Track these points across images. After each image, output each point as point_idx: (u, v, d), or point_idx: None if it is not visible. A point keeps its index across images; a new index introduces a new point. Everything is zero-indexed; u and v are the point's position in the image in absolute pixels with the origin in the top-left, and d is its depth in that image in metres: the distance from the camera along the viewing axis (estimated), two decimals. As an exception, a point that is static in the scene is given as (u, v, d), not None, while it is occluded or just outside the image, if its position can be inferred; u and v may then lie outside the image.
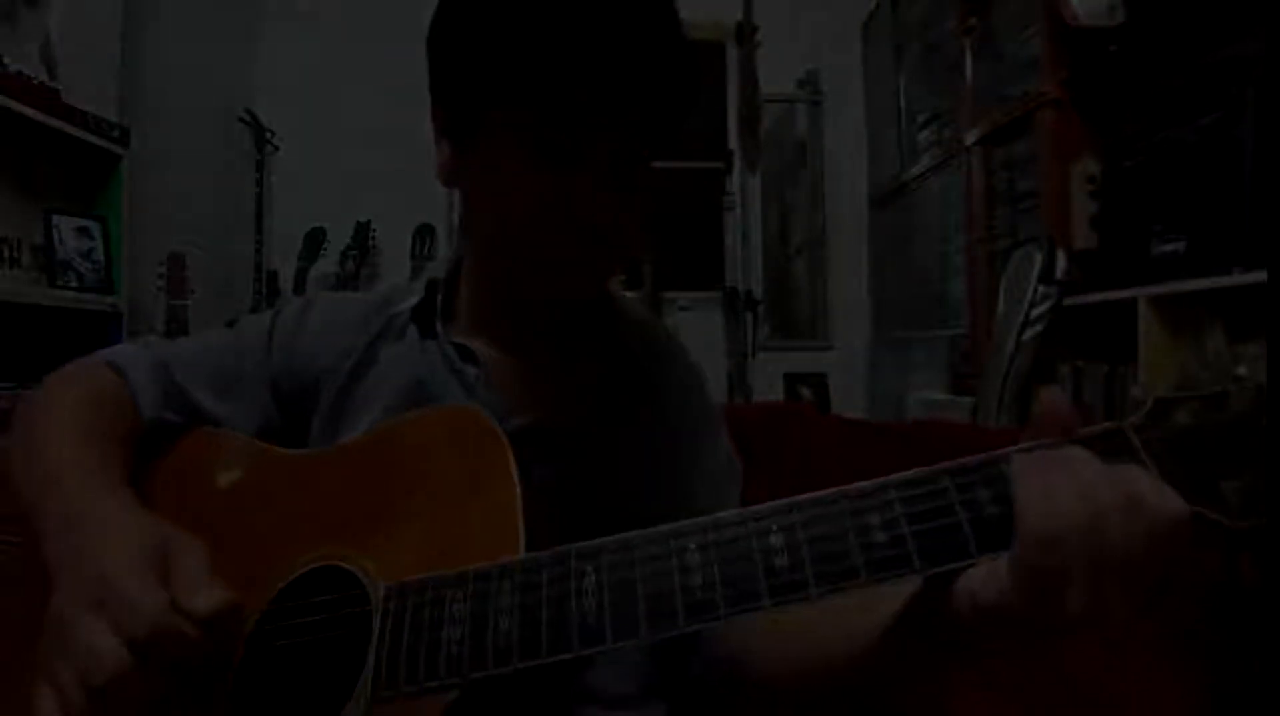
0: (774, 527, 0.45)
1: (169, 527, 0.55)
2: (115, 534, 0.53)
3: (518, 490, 0.54)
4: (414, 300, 0.75)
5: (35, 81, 2.22)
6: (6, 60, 2.13)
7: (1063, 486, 0.41)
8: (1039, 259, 2.13)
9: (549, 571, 0.48)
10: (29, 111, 2.16)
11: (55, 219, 2.37)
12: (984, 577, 0.42)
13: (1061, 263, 2.11)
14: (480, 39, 0.60)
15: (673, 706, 0.70)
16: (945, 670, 0.50)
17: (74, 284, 2.38)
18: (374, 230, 3.45)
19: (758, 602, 0.44)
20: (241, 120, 3.38)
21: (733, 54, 3.71)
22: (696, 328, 3.24)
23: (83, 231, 2.44)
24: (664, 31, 0.61)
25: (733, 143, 3.68)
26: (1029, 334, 2.14)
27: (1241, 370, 0.44)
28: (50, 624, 0.50)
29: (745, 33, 3.40)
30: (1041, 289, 2.11)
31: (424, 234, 3.40)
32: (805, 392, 3.64)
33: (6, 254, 2.27)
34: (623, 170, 0.61)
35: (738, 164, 3.53)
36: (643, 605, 0.46)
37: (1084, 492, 0.40)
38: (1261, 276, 1.52)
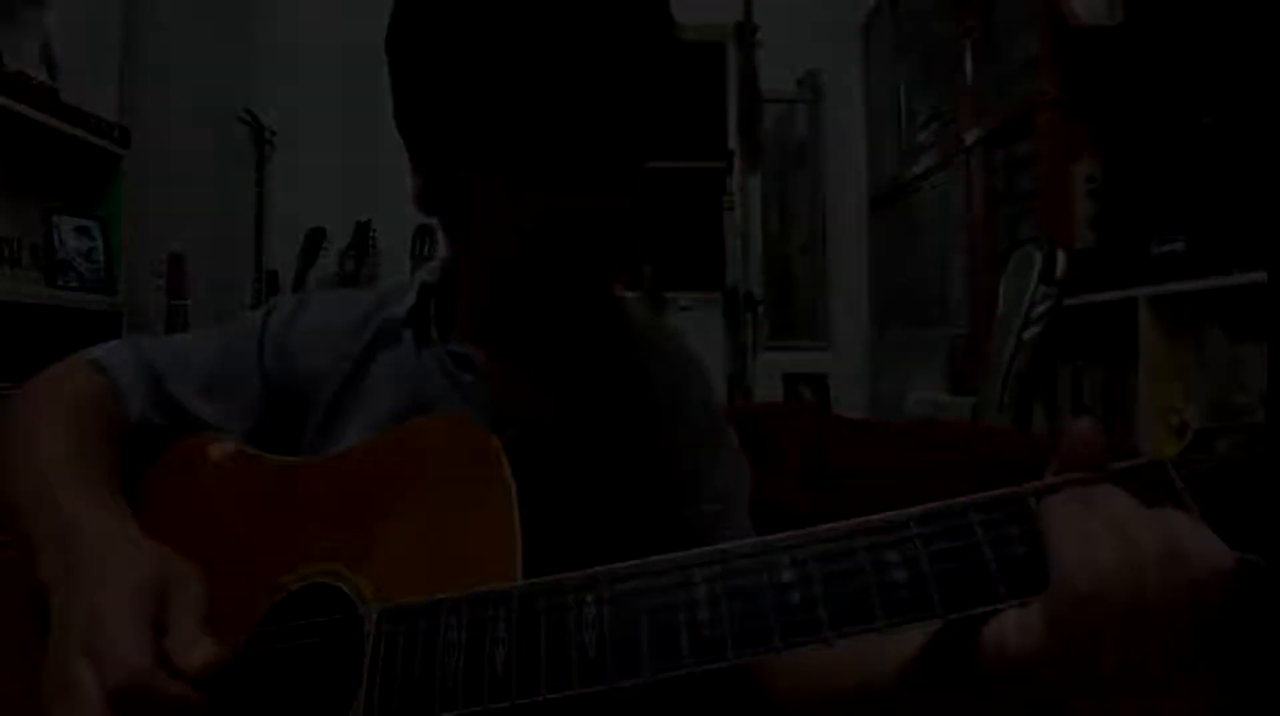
0: (787, 562, 0.43)
1: (168, 558, 0.53)
2: (111, 561, 0.52)
3: (515, 503, 0.52)
4: (409, 304, 0.72)
5: (35, 81, 2.22)
6: (6, 60, 2.13)
7: (1100, 535, 0.38)
8: (1039, 259, 2.13)
9: (548, 600, 0.46)
10: (29, 111, 2.16)
11: (55, 219, 2.37)
12: (1014, 626, 0.40)
13: (1061, 263, 2.11)
14: (451, 73, 0.56)
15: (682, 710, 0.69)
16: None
17: (74, 284, 2.38)
18: (374, 230, 3.45)
19: (768, 644, 0.42)
20: (241, 120, 3.38)
21: (733, 54, 3.72)
22: (696, 327, 3.24)
23: (83, 231, 2.45)
24: (649, 39, 0.57)
25: (733, 143, 3.68)
26: (1029, 334, 2.14)
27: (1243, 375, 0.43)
28: (50, 658, 0.49)
29: (745, 33, 3.40)
30: (1041, 289, 2.11)
31: (424, 234, 3.40)
32: (805, 392, 3.64)
33: (6, 254, 2.27)
34: (616, 181, 0.59)
35: (738, 164, 3.53)
36: (646, 642, 0.43)
37: (1123, 542, 0.38)
38: (1261, 276, 1.52)
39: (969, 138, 2.80)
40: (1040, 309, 2.12)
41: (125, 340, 0.75)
